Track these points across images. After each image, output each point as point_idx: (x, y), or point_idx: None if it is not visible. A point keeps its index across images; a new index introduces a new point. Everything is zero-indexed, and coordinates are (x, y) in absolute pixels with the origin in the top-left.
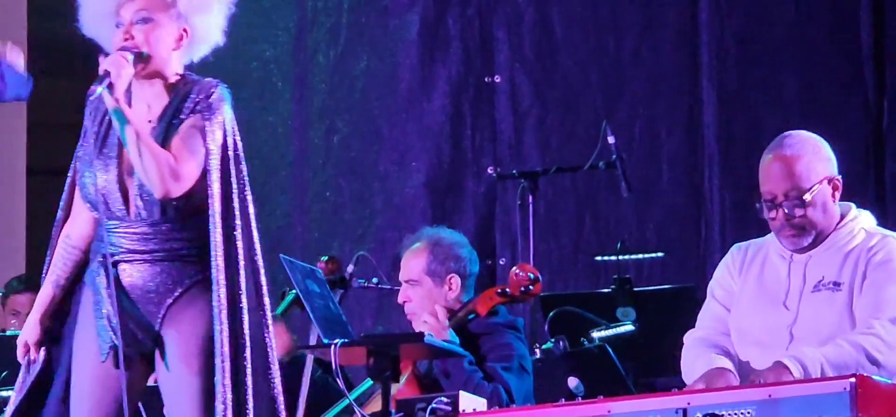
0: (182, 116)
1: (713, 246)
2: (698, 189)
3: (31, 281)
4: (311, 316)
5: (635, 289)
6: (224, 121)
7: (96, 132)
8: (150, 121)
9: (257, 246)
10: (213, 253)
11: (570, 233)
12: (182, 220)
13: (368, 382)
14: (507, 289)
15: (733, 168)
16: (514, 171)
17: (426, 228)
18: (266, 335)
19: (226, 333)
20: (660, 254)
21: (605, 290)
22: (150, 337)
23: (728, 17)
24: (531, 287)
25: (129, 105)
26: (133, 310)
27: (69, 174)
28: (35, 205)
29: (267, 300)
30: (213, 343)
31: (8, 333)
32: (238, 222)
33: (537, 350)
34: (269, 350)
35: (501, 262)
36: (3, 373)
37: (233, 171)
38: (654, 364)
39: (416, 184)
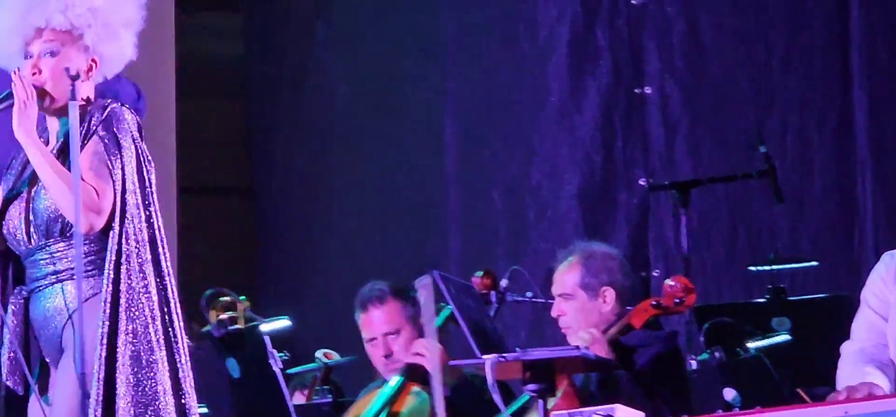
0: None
1: (867, 254)
2: (851, 196)
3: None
4: (466, 331)
5: (790, 299)
6: (126, 133)
7: (18, 171)
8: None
9: (167, 262)
10: (107, 267)
11: (723, 243)
12: (69, 239)
13: (525, 397)
14: (662, 301)
15: (886, 175)
16: (666, 182)
17: (579, 242)
18: (176, 349)
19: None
20: (814, 263)
21: (760, 300)
22: (56, 362)
23: (878, 23)
24: (685, 298)
25: (47, 142)
26: (40, 341)
27: None
28: (185, 223)
29: (177, 309)
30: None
31: None
32: (145, 236)
33: (693, 362)
34: (179, 365)
35: (655, 274)
36: None
37: (147, 181)
38: (810, 373)
39: (568, 197)
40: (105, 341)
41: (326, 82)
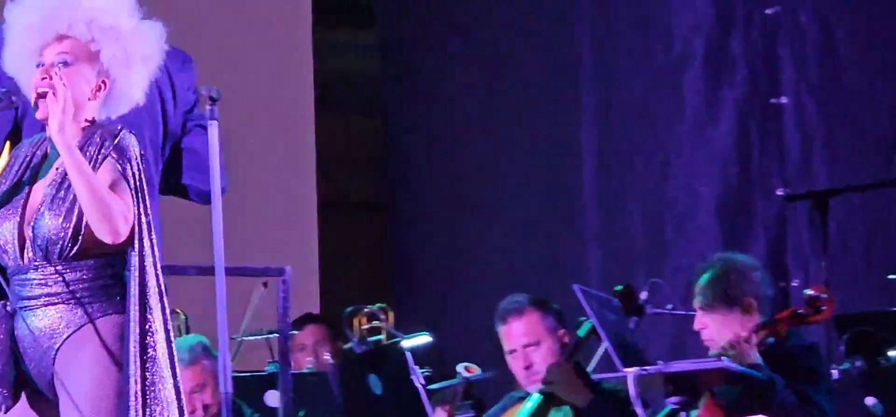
0: (89, 159)
1: None
2: None
3: (312, 316)
4: (608, 344)
5: None
6: (134, 159)
7: (9, 180)
8: (59, 169)
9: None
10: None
11: (861, 252)
12: (70, 262)
13: (667, 409)
14: (802, 311)
15: None
16: (803, 191)
17: (719, 254)
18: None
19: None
20: None
21: None
22: (46, 384)
23: None
24: (825, 307)
25: (46, 155)
26: (25, 359)
27: None
28: (326, 239)
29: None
30: (104, 386)
31: (305, 371)
32: (149, 259)
33: (835, 371)
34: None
35: (794, 284)
36: (302, 413)
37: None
38: None
39: (705, 208)
40: (138, 360)
41: (462, 97)
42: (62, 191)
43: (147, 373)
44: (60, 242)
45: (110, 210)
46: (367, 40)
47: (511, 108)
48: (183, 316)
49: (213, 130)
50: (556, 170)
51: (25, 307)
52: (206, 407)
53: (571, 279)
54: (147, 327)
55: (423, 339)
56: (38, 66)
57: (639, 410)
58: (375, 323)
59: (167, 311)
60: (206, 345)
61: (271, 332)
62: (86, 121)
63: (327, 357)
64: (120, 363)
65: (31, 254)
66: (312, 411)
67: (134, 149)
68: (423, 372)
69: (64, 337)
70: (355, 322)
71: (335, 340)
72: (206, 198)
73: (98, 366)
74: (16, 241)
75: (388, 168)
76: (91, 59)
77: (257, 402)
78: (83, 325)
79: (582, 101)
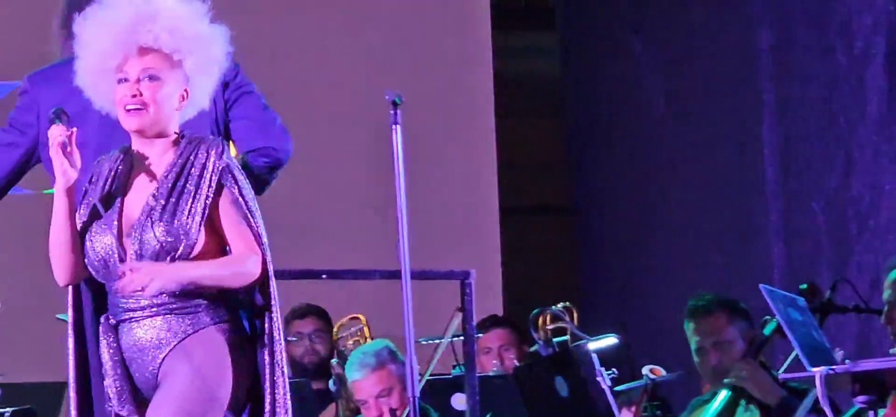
0: (192, 172)
1: None
2: None
3: (500, 319)
4: (794, 343)
5: None
6: (238, 169)
7: (98, 194)
8: (153, 181)
9: None
10: (273, 305)
11: None
12: None
13: (854, 408)
14: None
15: None
16: None
17: None
18: None
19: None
20: None
21: None
22: (149, 392)
23: None
24: None
25: (131, 168)
26: (130, 370)
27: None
28: (508, 244)
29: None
30: (201, 393)
31: (491, 373)
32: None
33: None
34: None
35: None
36: (488, 416)
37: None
38: None
39: (889, 206)
40: (268, 368)
41: (643, 98)
42: (170, 203)
43: (277, 380)
44: (171, 253)
45: (245, 276)
46: (548, 43)
47: (692, 108)
48: (363, 320)
49: (397, 135)
50: (738, 169)
51: (130, 319)
52: (392, 411)
53: (755, 278)
54: (275, 335)
55: (609, 340)
56: (120, 81)
57: (827, 409)
58: (560, 324)
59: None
60: (392, 349)
61: (456, 336)
62: (175, 133)
63: (512, 359)
64: (224, 370)
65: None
66: (498, 413)
67: (232, 160)
68: (609, 374)
69: (171, 345)
70: (540, 323)
71: (521, 343)
72: (271, 163)
73: (198, 375)
74: (116, 255)
75: (570, 170)
76: (174, 68)
77: (444, 405)
78: (191, 334)
79: (763, 100)
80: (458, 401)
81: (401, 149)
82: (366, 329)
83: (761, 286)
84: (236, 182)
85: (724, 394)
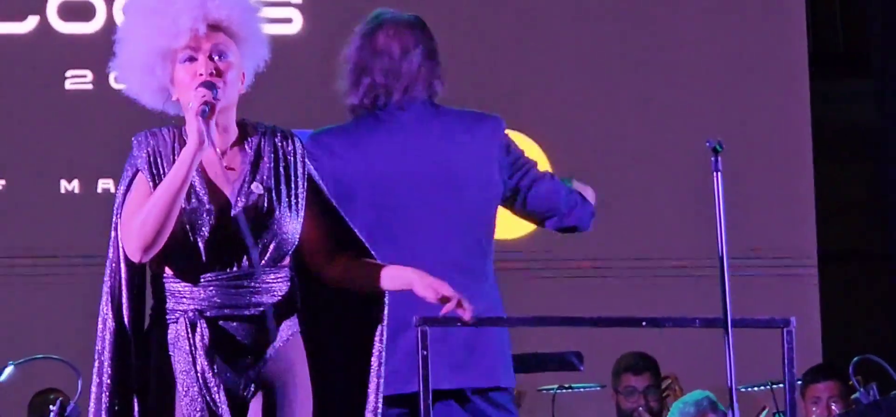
0: (289, 160)
1: None
2: None
3: (830, 369)
4: None
5: None
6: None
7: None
8: (231, 169)
9: None
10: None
11: None
12: (280, 269)
13: None
14: None
15: None
16: None
17: None
18: None
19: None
20: None
21: None
22: (244, 394)
23: None
24: None
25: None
26: (224, 368)
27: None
28: (829, 291)
29: None
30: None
31: None
32: None
33: None
34: None
35: None
36: None
37: None
38: None
39: None
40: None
41: None
42: (281, 192)
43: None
44: (292, 248)
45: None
46: (864, 88)
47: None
48: (673, 377)
49: (718, 181)
50: None
51: (225, 316)
52: None
53: None
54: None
55: None
56: (190, 59)
57: None
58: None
59: None
60: (712, 400)
61: (775, 383)
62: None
63: (835, 409)
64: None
65: (253, 259)
66: None
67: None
68: None
69: (277, 346)
70: (860, 371)
71: (848, 395)
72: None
73: (306, 375)
74: (248, 249)
75: (887, 216)
76: (238, 48)
77: None
78: (296, 332)
79: None
80: None
81: (722, 196)
82: (677, 385)
83: None
84: (306, 163)
85: None
